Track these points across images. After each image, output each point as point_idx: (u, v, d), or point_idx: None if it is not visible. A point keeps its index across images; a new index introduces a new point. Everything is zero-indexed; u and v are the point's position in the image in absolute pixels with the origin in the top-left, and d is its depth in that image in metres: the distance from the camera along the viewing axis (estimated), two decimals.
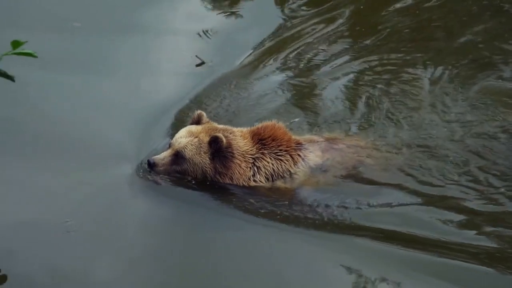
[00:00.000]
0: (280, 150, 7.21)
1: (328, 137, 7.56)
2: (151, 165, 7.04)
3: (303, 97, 8.79)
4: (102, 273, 6.21)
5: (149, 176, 7.17)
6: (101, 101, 8.48)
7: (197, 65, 9.32)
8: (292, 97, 8.78)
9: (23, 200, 6.92)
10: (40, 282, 6.12)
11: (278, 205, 7.00)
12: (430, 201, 7.10)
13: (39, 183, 7.12)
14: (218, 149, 7.00)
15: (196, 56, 9.41)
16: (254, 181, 7.15)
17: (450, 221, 6.85)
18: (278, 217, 6.86)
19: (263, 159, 7.17)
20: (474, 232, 6.75)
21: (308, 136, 7.63)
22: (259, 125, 7.33)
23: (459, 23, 10.10)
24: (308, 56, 9.69)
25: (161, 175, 7.12)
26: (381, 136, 7.86)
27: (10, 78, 4.67)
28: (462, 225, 6.82)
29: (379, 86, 8.81)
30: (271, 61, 9.53)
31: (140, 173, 7.25)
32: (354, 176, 7.32)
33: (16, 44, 4.55)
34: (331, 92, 8.82)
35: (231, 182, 7.11)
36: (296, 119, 8.21)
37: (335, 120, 8.19)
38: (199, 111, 7.30)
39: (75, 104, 8.32)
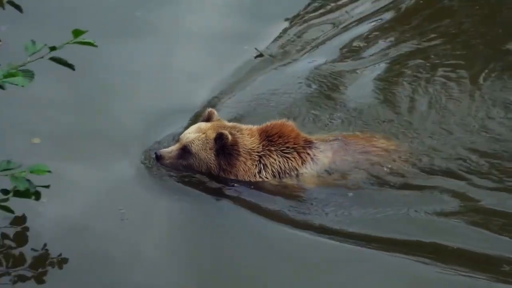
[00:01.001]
0: (287, 147, 7.22)
1: (345, 136, 7.48)
2: (158, 158, 7.16)
3: (340, 91, 8.73)
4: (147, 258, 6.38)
5: (153, 167, 7.28)
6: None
7: (256, 57, 9.32)
8: (330, 90, 8.72)
9: (80, 188, 7.09)
10: (94, 264, 6.29)
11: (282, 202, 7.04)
12: (453, 210, 6.97)
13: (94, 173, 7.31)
14: (223, 146, 7.07)
15: (255, 48, 9.42)
16: (260, 177, 7.18)
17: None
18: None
19: (270, 156, 7.20)
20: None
21: (321, 135, 7.56)
22: (268, 123, 7.34)
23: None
24: (350, 48, 9.64)
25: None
26: (414, 140, 7.73)
27: (70, 66, 4.73)
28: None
29: (424, 86, 8.66)
30: (308, 53, 9.49)
31: (146, 163, 7.34)
32: (364, 179, 7.24)
33: (77, 33, 4.60)
34: (371, 91, 8.72)
35: (235, 179, 7.17)
36: (338, 114, 8.18)
37: (377, 120, 8.10)
38: (210, 109, 7.40)
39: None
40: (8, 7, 5.39)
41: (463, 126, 7.95)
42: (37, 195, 4.92)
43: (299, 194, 7.16)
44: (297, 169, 7.19)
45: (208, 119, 7.32)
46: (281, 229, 6.78)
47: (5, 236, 6.32)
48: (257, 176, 7.18)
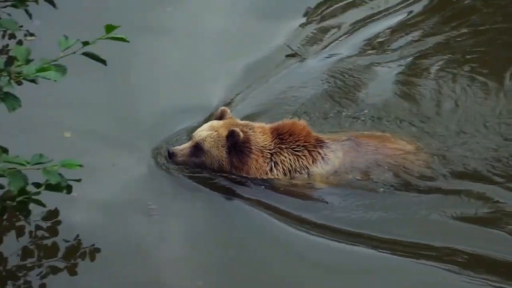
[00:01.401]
0: (298, 145, 7.21)
1: (357, 136, 7.42)
2: (170, 155, 7.20)
3: (362, 87, 8.67)
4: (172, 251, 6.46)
5: (163, 164, 7.32)
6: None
7: (287, 56, 9.30)
8: (352, 87, 8.67)
9: (109, 181, 7.17)
10: (123, 255, 6.40)
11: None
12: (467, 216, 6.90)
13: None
14: (234, 143, 7.09)
15: (287, 45, 9.40)
16: (272, 175, 7.18)
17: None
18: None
19: (280, 154, 7.19)
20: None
21: (334, 134, 7.53)
22: (280, 121, 7.36)
23: None
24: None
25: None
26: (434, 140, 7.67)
27: (103, 61, 4.76)
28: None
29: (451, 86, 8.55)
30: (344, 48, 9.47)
31: (158, 160, 7.38)
32: (374, 181, 7.19)
33: (109, 28, 4.64)
34: (394, 87, 8.66)
35: (247, 176, 7.19)
36: (365, 111, 8.15)
37: (399, 119, 8.05)
38: (222, 107, 7.43)
39: None
40: (42, 2, 5.46)
41: (486, 126, 7.81)
42: (69, 189, 4.97)
43: (310, 193, 7.15)
44: (307, 168, 7.19)
45: (221, 117, 7.36)
46: (293, 229, 6.79)
47: (38, 227, 6.43)
48: (269, 173, 7.19)
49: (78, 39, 4.68)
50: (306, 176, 7.20)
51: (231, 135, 7.09)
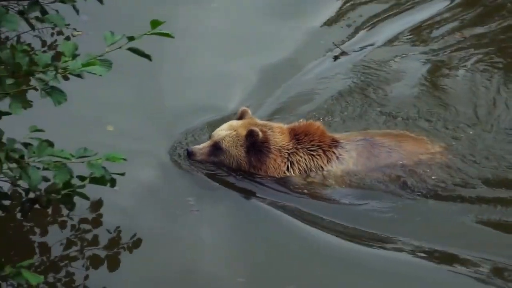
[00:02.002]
0: (313, 145, 7.23)
1: (372, 135, 7.41)
2: (189, 154, 7.25)
3: (388, 85, 8.65)
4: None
5: (181, 163, 7.37)
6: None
7: (337, 54, 9.27)
8: (380, 82, 8.65)
9: (149, 176, 7.27)
10: (163, 249, 6.50)
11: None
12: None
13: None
14: (253, 142, 7.12)
15: (333, 43, 9.36)
16: (288, 174, 7.22)
17: None
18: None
19: (296, 153, 7.23)
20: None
21: (349, 134, 7.54)
22: (296, 122, 7.41)
23: None
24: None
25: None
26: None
27: (147, 56, 4.79)
28: None
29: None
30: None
31: (176, 158, 7.44)
32: (387, 182, 7.17)
33: (155, 23, 4.67)
34: (421, 85, 8.64)
35: (265, 175, 7.23)
36: (395, 109, 8.17)
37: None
38: (243, 108, 7.47)
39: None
40: None
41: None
42: (113, 182, 5.03)
43: (325, 193, 7.15)
44: (322, 168, 7.20)
45: (241, 117, 7.41)
46: (311, 228, 6.84)
47: (81, 219, 6.56)
48: (286, 173, 7.22)
49: (124, 34, 4.72)
50: (321, 176, 7.21)
51: (251, 135, 7.14)
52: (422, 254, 6.50)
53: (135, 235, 6.46)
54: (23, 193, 5.32)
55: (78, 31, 8.76)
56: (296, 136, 7.29)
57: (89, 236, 6.46)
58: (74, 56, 4.65)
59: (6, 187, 5.75)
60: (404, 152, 7.27)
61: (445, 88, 8.48)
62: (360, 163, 7.24)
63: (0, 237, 6.33)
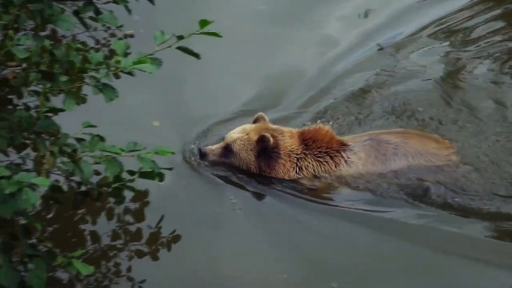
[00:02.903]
0: (320, 152, 7.29)
1: (377, 134, 7.44)
2: (202, 155, 7.34)
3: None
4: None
5: (194, 162, 7.44)
6: None
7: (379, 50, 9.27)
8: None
9: (191, 173, 7.45)
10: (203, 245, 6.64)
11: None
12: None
13: None
14: (264, 148, 7.18)
15: (378, 44, 9.36)
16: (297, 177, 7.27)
17: None
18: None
19: (305, 159, 7.28)
20: None
21: (356, 135, 7.59)
22: (305, 127, 7.48)
23: None
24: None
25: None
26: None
27: (196, 55, 4.90)
28: None
29: None
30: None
31: (188, 158, 7.52)
32: (396, 181, 7.21)
33: (203, 23, 4.78)
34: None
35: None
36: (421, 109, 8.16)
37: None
38: (259, 113, 7.53)
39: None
40: None
41: None
42: (161, 177, 5.16)
43: (334, 196, 7.22)
44: (330, 173, 7.25)
45: (256, 121, 7.48)
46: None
47: (126, 211, 6.72)
48: (295, 177, 7.31)
49: (173, 34, 4.83)
50: (329, 179, 7.27)
51: (262, 140, 7.22)
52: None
53: (174, 231, 6.61)
54: (76, 186, 5.52)
55: (130, 30, 8.96)
56: (305, 141, 7.36)
57: (132, 228, 6.65)
58: (126, 55, 4.78)
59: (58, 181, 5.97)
60: (410, 148, 7.29)
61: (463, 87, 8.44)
62: (369, 163, 7.27)
63: (53, 228, 6.57)
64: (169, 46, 4.86)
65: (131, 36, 8.96)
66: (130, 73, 4.76)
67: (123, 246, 6.50)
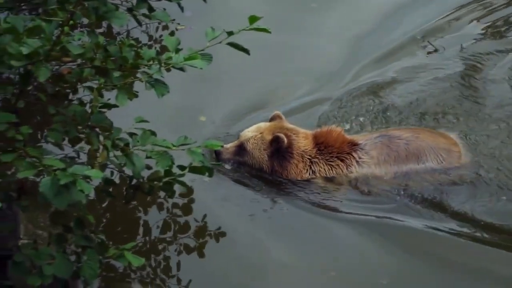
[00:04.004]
0: (331, 156, 7.24)
1: (388, 131, 7.42)
2: (217, 153, 7.28)
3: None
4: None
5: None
6: None
7: (429, 53, 9.18)
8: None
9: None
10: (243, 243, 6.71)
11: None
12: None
13: None
14: (278, 148, 7.13)
15: (428, 41, 9.26)
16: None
17: None
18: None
19: (317, 163, 7.23)
20: None
21: (368, 133, 7.58)
22: (318, 129, 7.42)
23: None
24: None
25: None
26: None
27: (245, 51, 4.94)
28: None
29: None
30: None
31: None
32: (406, 178, 7.18)
33: (253, 19, 4.81)
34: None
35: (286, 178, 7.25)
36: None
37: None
38: (276, 112, 7.47)
39: None
40: None
41: None
42: (210, 172, 5.23)
43: (348, 196, 7.19)
44: (342, 175, 7.22)
45: (272, 120, 7.45)
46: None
47: (174, 205, 6.84)
48: (308, 178, 7.28)
49: (224, 30, 4.88)
50: (342, 181, 7.26)
51: (276, 141, 7.18)
52: None
53: (219, 228, 6.68)
54: (128, 180, 5.63)
55: (181, 25, 9.07)
56: (318, 145, 7.32)
57: (180, 222, 6.75)
58: (177, 50, 4.85)
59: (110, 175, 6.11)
60: (422, 142, 7.25)
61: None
62: (381, 162, 7.22)
63: (105, 221, 6.72)
64: (220, 42, 4.90)
65: (177, 30, 9.07)
66: (181, 69, 4.82)
67: (172, 240, 6.61)
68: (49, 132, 4.93)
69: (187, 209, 6.85)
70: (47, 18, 4.59)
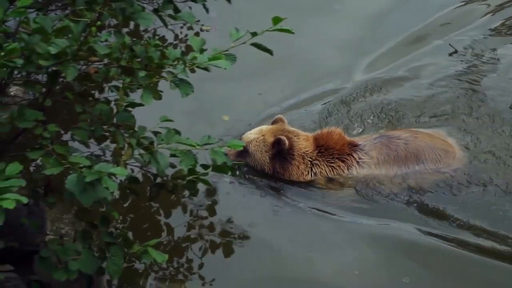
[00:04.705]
0: (332, 157, 7.33)
1: (387, 131, 7.53)
2: None
3: None
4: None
5: None
6: None
7: (450, 54, 9.17)
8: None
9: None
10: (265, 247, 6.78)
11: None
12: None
13: None
14: (279, 150, 7.20)
15: (450, 44, 9.25)
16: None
17: None
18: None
19: (318, 165, 7.31)
20: None
21: (367, 134, 7.69)
22: (318, 131, 7.52)
23: None
24: None
25: None
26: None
27: (269, 51, 4.99)
28: None
29: None
30: None
31: None
32: (406, 177, 7.25)
33: (276, 20, 4.86)
34: None
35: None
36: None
37: None
38: (278, 115, 7.58)
39: None
40: None
41: None
42: (233, 171, 5.29)
43: (349, 197, 7.25)
44: (342, 176, 7.31)
45: (274, 123, 7.54)
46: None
47: (199, 205, 6.91)
48: (309, 180, 7.34)
49: (248, 30, 4.94)
50: (343, 181, 7.34)
51: (277, 143, 7.28)
52: None
53: (245, 231, 6.74)
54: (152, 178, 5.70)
55: (207, 26, 9.16)
56: (319, 147, 7.43)
57: (205, 222, 6.83)
58: (202, 51, 4.91)
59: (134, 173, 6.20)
60: (420, 142, 7.35)
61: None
62: (381, 161, 7.31)
63: (130, 218, 6.81)
64: (244, 43, 4.96)
65: (208, 31, 9.16)
66: (205, 69, 4.88)
67: (195, 238, 6.70)
68: (76, 130, 5.01)
69: (210, 210, 6.94)
70: (75, 19, 4.67)
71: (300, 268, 6.56)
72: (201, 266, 6.44)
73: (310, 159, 7.39)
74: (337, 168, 7.38)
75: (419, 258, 6.59)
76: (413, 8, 9.92)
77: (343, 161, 7.39)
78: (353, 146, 7.45)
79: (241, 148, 5.20)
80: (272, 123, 7.63)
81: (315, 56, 9.19)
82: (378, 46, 9.36)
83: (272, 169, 7.41)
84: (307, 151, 7.40)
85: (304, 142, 7.44)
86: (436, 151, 7.37)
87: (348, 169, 7.37)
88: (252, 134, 7.51)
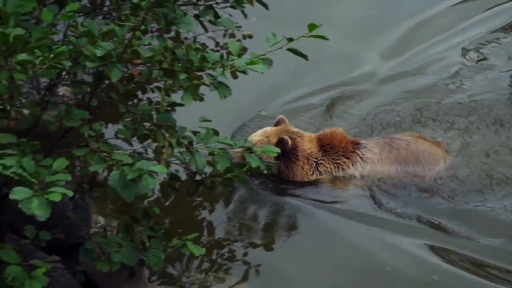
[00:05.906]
0: (337, 155, 7.46)
1: (392, 133, 7.70)
2: None
3: None
4: None
5: None
6: None
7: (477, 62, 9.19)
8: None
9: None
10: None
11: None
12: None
13: None
14: (283, 150, 7.25)
15: (462, 48, 9.29)
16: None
17: None
18: None
19: (323, 164, 7.44)
20: None
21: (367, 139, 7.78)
22: (321, 131, 7.64)
23: None
24: None
25: None
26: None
27: (304, 56, 5.16)
28: None
29: None
30: None
31: None
32: (407, 177, 7.36)
33: (312, 26, 5.03)
34: None
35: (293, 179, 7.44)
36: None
37: None
38: (280, 116, 7.69)
39: None
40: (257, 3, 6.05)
41: None
42: (269, 170, 5.47)
43: (352, 193, 7.39)
44: (347, 172, 7.45)
45: (277, 124, 7.65)
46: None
47: (241, 202, 7.17)
48: (314, 179, 7.47)
49: (284, 36, 5.11)
50: (348, 178, 7.48)
51: (280, 142, 7.39)
52: None
53: (291, 231, 6.94)
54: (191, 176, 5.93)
55: (248, 31, 9.35)
56: (323, 147, 7.57)
57: (246, 220, 7.02)
58: (240, 55, 5.10)
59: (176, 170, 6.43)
60: (421, 145, 7.52)
61: None
62: (384, 157, 7.46)
63: (170, 214, 7.05)
64: (280, 48, 5.12)
65: (250, 36, 9.35)
66: (243, 72, 5.07)
67: (239, 237, 6.94)
68: (120, 129, 5.24)
69: (249, 207, 7.14)
70: (120, 23, 4.88)
71: (356, 257, 6.81)
72: (244, 257, 6.67)
73: (315, 160, 7.57)
74: (342, 164, 7.56)
75: (448, 257, 6.70)
76: None
77: (347, 158, 7.57)
78: (356, 144, 7.66)
79: (275, 154, 5.41)
80: (275, 125, 7.78)
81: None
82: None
83: (277, 169, 7.58)
84: (311, 152, 7.58)
85: (308, 143, 7.61)
86: (435, 156, 7.53)
87: (353, 165, 7.54)
88: (256, 136, 7.67)
